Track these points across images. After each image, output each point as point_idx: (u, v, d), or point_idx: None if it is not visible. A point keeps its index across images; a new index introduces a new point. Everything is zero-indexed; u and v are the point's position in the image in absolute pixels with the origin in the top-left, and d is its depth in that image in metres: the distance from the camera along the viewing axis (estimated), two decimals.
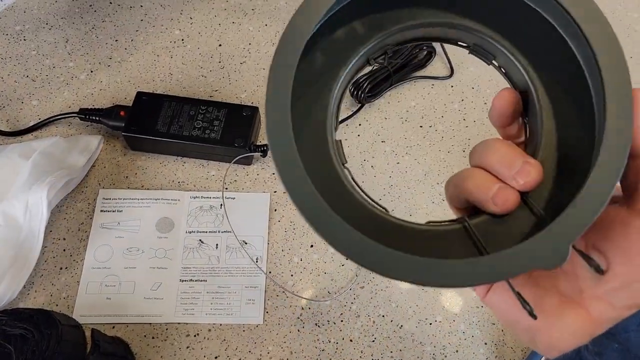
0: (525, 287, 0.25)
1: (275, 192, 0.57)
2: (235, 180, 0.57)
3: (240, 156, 0.55)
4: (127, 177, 0.57)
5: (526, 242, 0.22)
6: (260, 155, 0.57)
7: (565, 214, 0.22)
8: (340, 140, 0.27)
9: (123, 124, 0.56)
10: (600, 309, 0.23)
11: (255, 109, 0.58)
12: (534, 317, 0.23)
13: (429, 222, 0.26)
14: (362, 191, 0.26)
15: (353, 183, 0.26)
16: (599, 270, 0.22)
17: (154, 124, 0.56)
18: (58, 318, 0.46)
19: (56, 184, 0.51)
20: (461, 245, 0.25)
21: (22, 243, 0.49)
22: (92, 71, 0.63)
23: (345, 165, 0.27)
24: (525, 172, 0.23)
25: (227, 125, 0.56)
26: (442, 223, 0.26)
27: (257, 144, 0.57)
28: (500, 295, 0.26)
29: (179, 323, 0.50)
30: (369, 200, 0.26)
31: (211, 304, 0.51)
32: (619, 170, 0.22)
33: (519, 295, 0.23)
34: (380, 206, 0.26)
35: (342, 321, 0.50)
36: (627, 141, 0.22)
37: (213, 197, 0.56)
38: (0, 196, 0.52)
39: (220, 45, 0.66)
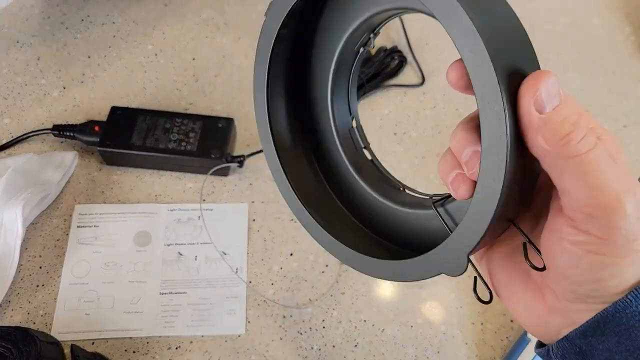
0: (504, 264, 0.27)
1: (253, 202, 0.58)
2: (212, 192, 0.58)
3: (217, 167, 0.56)
4: (102, 191, 0.58)
5: (437, 248, 0.24)
6: (237, 165, 0.58)
7: (463, 224, 0.23)
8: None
9: (98, 139, 0.57)
10: (549, 297, 0.25)
11: (230, 121, 0.59)
12: (483, 302, 0.24)
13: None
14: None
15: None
16: (538, 269, 0.24)
17: (129, 138, 0.57)
18: (36, 335, 0.46)
19: (31, 200, 0.51)
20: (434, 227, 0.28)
21: None
22: (65, 87, 0.64)
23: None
24: (471, 163, 0.23)
25: (203, 137, 0.57)
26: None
27: (234, 154, 0.58)
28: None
29: (160, 336, 0.50)
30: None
31: (192, 315, 0.51)
32: (499, 178, 0.21)
33: (475, 278, 0.25)
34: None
35: (324, 327, 0.51)
36: (499, 145, 0.21)
37: (191, 209, 0.57)
38: None
39: (194, 59, 0.67)
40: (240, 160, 0.58)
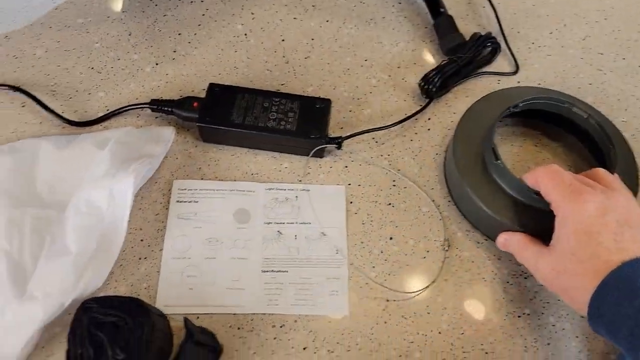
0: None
1: (349, 184, 0.58)
2: (308, 173, 0.58)
3: (318, 148, 0.57)
4: (200, 168, 0.58)
5: None
6: (336, 147, 0.58)
7: None
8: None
9: (197, 115, 0.57)
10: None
11: (328, 102, 0.59)
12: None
13: None
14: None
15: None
16: None
17: (228, 115, 0.57)
18: (148, 307, 0.46)
19: (140, 172, 0.51)
20: None
21: (106, 231, 0.50)
22: (157, 64, 0.65)
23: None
24: None
25: (301, 118, 0.57)
26: None
27: (331, 136, 0.58)
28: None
29: (263, 314, 0.50)
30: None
31: (295, 295, 0.51)
32: None
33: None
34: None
35: (428, 313, 0.51)
36: None
37: (288, 189, 0.57)
38: (79, 184, 0.53)
39: (283, 40, 0.68)
40: (339, 142, 0.58)
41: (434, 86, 0.62)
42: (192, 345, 0.45)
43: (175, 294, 0.51)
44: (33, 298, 0.46)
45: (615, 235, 0.42)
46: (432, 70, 0.63)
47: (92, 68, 0.64)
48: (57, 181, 0.53)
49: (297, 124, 0.57)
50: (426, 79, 0.63)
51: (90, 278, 0.48)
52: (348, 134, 0.59)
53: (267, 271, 0.53)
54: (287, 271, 0.53)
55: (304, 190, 0.57)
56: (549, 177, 0.46)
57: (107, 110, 0.61)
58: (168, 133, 0.58)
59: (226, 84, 0.63)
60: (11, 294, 0.47)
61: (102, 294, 0.50)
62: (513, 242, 0.50)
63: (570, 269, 0.43)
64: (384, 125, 0.60)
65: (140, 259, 0.52)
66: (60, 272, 0.47)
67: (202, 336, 0.47)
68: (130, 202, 0.50)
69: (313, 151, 0.56)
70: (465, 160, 0.55)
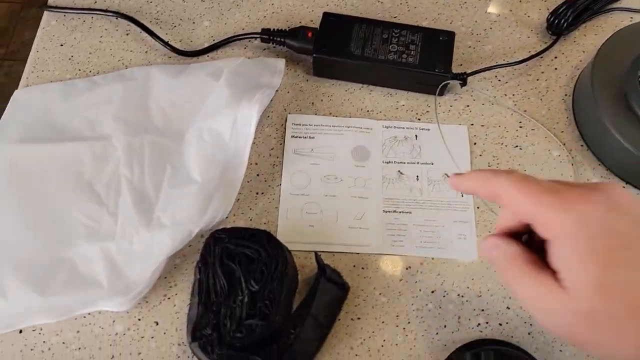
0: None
1: (472, 125, 0.54)
2: (427, 112, 0.55)
3: (444, 83, 0.53)
4: (312, 103, 0.55)
5: None
6: (460, 84, 0.54)
7: None
8: None
9: (311, 46, 0.54)
10: None
11: (452, 35, 0.55)
12: None
13: None
14: None
15: None
16: None
17: (346, 47, 0.54)
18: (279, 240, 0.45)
19: (263, 102, 0.49)
20: None
21: (229, 161, 0.48)
22: None
23: None
24: None
25: (423, 51, 0.54)
26: None
27: (455, 72, 0.54)
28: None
29: (388, 254, 0.48)
30: None
31: (420, 237, 0.49)
32: None
33: None
34: None
35: None
36: None
37: (407, 128, 0.54)
38: (195, 114, 0.51)
39: None
40: (464, 78, 0.54)
41: (566, 21, 0.57)
42: (325, 281, 0.44)
43: (296, 231, 0.49)
44: (162, 226, 0.45)
45: None
46: (563, 4, 0.58)
47: None
48: (172, 110, 0.52)
49: (419, 57, 0.53)
50: (556, 13, 0.58)
51: (217, 208, 0.46)
52: (473, 70, 0.55)
53: (389, 211, 0.50)
54: (410, 212, 0.50)
55: (424, 129, 0.54)
56: (513, 186, 0.31)
57: (213, 40, 0.58)
58: (280, 64, 0.55)
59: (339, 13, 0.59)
60: (137, 222, 0.46)
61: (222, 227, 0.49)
62: (502, 255, 0.32)
63: (605, 312, 0.27)
64: (506, 62, 0.56)
65: (257, 194, 0.51)
66: (188, 201, 0.46)
67: (333, 274, 0.45)
68: (253, 132, 0.48)
69: (440, 86, 0.53)
70: (604, 97, 0.51)
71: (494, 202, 0.33)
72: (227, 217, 0.49)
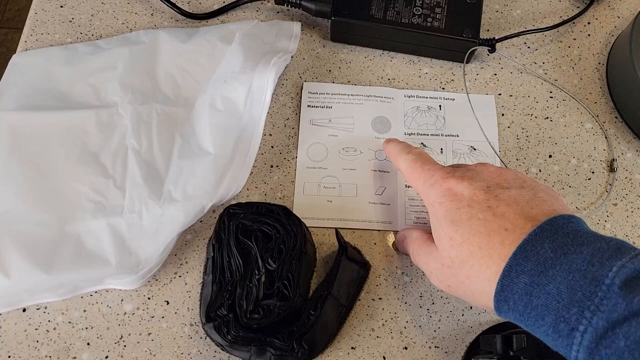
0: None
1: (500, 94, 0.51)
2: (452, 80, 0.52)
3: (472, 49, 0.50)
4: (329, 70, 0.52)
5: None
6: (488, 50, 0.51)
7: None
8: None
9: (329, 9, 0.51)
10: None
11: None
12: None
13: None
14: None
15: None
16: None
17: (367, 9, 0.50)
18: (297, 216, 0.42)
19: (280, 67, 0.46)
20: None
21: (243, 131, 0.45)
22: None
23: None
24: None
25: (450, 14, 0.50)
26: None
27: (484, 38, 0.51)
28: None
29: None
30: None
31: None
32: None
33: None
34: None
35: None
36: None
37: (430, 97, 0.51)
38: (206, 81, 0.48)
39: None
40: (492, 45, 0.51)
41: None
42: (346, 260, 0.41)
43: (313, 206, 0.46)
44: (173, 200, 0.43)
45: (498, 202, 0.33)
46: None
47: None
48: (181, 76, 0.49)
49: (445, 21, 0.50)
50: None
51: (231, 181, 0.44)
52: (501, 36, 0.52)
53: (411, 186, 0.48)
54: None
55: (448, 99, 0.51)
56: (404, 166, 0.41)
57: (223, 2, 0.55)
58: (297, 28, 0.52)
59: None
60: (147, 195, 0.43)
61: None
62: (408, 241, 0.41)
63: (457, 258, 0.34)
64: (536, 28, 0.53)
65: (272, 167, 0.48)
66: (201, 174, 0.43)
67: (353, 251, 0.43)
68: (269, 100, 0.45)
69: (467, 53, 0.50)
70: None
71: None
72: (240, 192, 0.47)
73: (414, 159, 0.40)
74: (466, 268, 0.33)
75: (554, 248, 0.30)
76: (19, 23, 1.69)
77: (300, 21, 0.54)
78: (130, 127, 0.46)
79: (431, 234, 0.38)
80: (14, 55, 0.52)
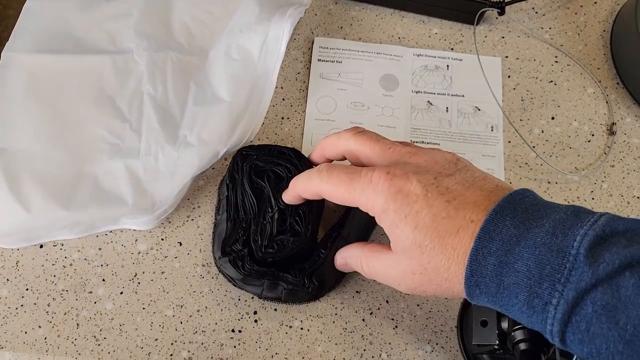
0: None
1: (506, 57, 0.53)
2: (460, 41, 0.53)
3: (483, 10, 0.51)
4: (341, 27, 0.53)
5: None
6: (497, 12, 0.52)
7: None
8: None
9: None
10: None
11: None
12: None
13: None
14: None
15: None
16: None
17: None
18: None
19: (296, 18, 0.47)
20: None
21: (257, 81, 0.47)
22: None
23: None
24: None
25: None
26: None
27: (493, 0, 0.52)
28: None
29: None
30: None
31: None
32: None
33: None
34: None
35: (593, 199, 0.48)
36: None
37: (438, 57, 0.53)
38: (221, 30, 0.49)
39: None
40: (502, 7, 0.52)
41: None
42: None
43: None
44: (188, 144, 0.44)
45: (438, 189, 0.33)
46: None
47: None
48: (196, 26, 0.50)
49: None
50: None
51: (245, 129, 0.45)
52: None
53: (416, 142, 0.49)
54: (438, 144, 0.49)
55: (456, 59, 0.53)
56: (320, 185, 0.37)
57: None
58: None
59: None
60: (163, 139, 0.45)
61: None
62: (353, 256, 0.39)
63: (433, 264, 0.33)
64: None
65: (282, 118, 0.50)
66: (215, 120, 0.45)
67: None
68: (283, 50, 0.46)
69: (478, 14, 0.51)
70: None
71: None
72: (251, 141, 0.48)
73: (328, 173, 0.36)
74: (443, 271, 0.32)
75: (516, 224, 0.30)
76: None
77: None
78: (146, 73, 0.47)
79: (370, 243, 0.38)
80: (28, 0, 0.52)
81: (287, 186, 0.42)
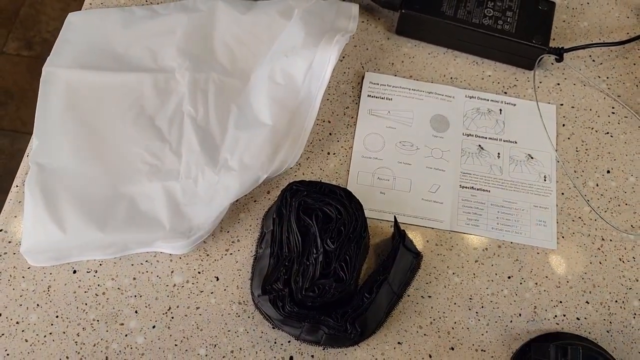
0: None
1: (561, 104, 0.51)
2: (515, 85, 0.52)
3: (541, 56, 0.50)
4: (392, 63, 0.52)
5: None
6: (556, 59, 0.51)
7: None
8: None
9: (399, 1, 0.51)
10: None
11: (552, 5, 0.51)
12: None
13: None
14: None
15: None
16: None
17: (438, 5, 0.50)
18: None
19: (342, 45, 0.46)
20: None
21: (299, 106, 0.46)
22: None
23: None
24: None
25: (521, 19, 0.50)
26: None
27: (552, 46, 0.51)
28: None
29: (462, 233, 0.46)
30: None
31: (497, 218, 0.46)
32: None
33: None
34: None
35: None
36: None
37: (491, 100, 0.51)
38: (264, 53, 0.49)
39: None
40: (560, 54, 0.51)
41: None
42: (403, 247, 0.41)
43: (365, 196, 0.47)
44: (229, 168, 0.43)
45: None
46: None
47: None
48: (238, 47, 0.49)
49: (516, 25, 0.50)
50: None
51: (286, 154, 0.44)
52: (570, 46, 0.51)
53: (466, 187, 0.48)
54: (488, 191, 0.48)
55: (509, 104, 0.51)
56: None
57: None
58: (355, 9, 0.52)
59: None
60: (203, 162, 0.43)
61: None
62: None
63: None
64: (603, 42, 0.53)
65: (329, 153, 0.48)
66: (257, 145, 0.44)
67: (409, 240, 0.43)
68: (328, 77, 0.45)
69: (537, 60, 0.49)
70: None
71: None
72: (296, 175, 0.47)
73: None
74: None
75: None
76: None
77: (365, 11, 0.54)
78: (187, 94, 0.46)
79: None
80: (70, 14, 0.52)
81: (335, 227, 0.40)
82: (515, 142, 0.50)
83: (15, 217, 0.44)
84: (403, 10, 0.50)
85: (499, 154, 0.49)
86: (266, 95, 0.46)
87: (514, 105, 0.51)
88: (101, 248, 0.42)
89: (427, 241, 0.46)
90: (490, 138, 0.50)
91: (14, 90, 1.46)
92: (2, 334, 0.40)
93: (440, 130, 0.50)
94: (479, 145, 0.49)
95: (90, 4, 0.53)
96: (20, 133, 1.44)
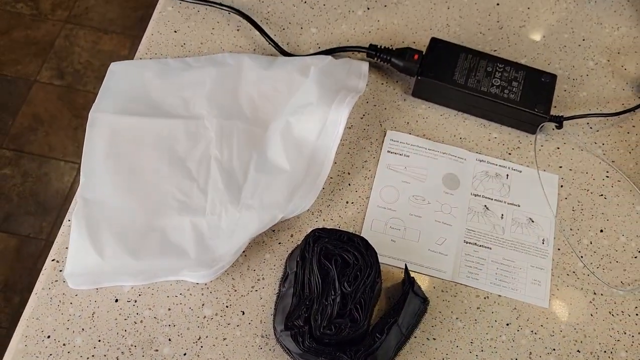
0: None
1: (560, 167, 0.56)
2: (518, 147, 0.57)
3: (542, 124, 0.55)
4: (407, 122, 0.58)
5: None
6: (556, 126, 0.56)
7: None
8: None
9: (416, 68, 0.56)
10: None
11: (554, 77, 0.57)
12: None
13: None
14: None
15: None
16: None
17: (451, 74, 0.56)
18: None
19: (352, 105, 0.52)
20: None
21: (315, 156, 0.52)
22: (368, 8, 0.64)
23: None
24: None
25: (525, 89, 0.56)
26: None
27: (553, 114, 0.56)
28: None
29: (465, 285, 0.50)
30: None
31: (496, 274, 0.51)
32: None
33: None
34: None
35: (637, 315, 0.50)
36: None
37: (499, 165, 0.56)
38: (282, 107, 0.55)
39: (498, 4, 0.65)
40: (560, 121, 0.56)
41: None
42: (412, 292, 0.46)
43: (377, 242, 0.51)
44: (249, 207, 0.49)
45: None
46: None
47: (305, 2, 0.64)
48: (260, 100, 0.55)
49: (521, 94, 0.55)
50: None
51: (302, 198, 0.50)
52: (569, 115, 0.57)
53: (469, 243, 0.52)
54: (490, 248, 0.52)
55: (515, 170, 0.56)
56: None
57: (319, 47, 0.61)
58: (365, 68, 0.58)
59: (445, 39, 0.61)
60: (227, 200, 0.49)
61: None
62: None
63: None
64: (600, 112, 0.58)
65: (347, 202, 0.53)
66: (275, 187, 0.50)
67: (418, 286, 0.47)
68: (341, 133, 0.51)
69: (539, 127, 0.55)
70: None
71: None
72: (316, 221, 0.52)
73: None
74: None
75: None
76: (85, 20, 1.79)
77: (385, 74, 0.60)
78: (215, 139, 0.52)
79: None
80: (112, 64, 0.58)
81: (352, 272, 0.45)
82: (519, 206, 0.54)
83: (66, 248, 0.49)
84: (419, 77, 0.56)
85: (502, 215, 0.54)
86: (283, 144, 0.52)
87: (520, 172, 0.56)
88: (133, 275, 0.47)
89: (434, 287, 0.50)
90: (495, 200, 0.55)
91: (45, 118, 1.53)
92: (50, 354, 0.45)
93: (451, 188, 0.55)
94: (485, 206, 0.54)
95: (141, 58, 0.59)
96: (47, 158, 1.51)
